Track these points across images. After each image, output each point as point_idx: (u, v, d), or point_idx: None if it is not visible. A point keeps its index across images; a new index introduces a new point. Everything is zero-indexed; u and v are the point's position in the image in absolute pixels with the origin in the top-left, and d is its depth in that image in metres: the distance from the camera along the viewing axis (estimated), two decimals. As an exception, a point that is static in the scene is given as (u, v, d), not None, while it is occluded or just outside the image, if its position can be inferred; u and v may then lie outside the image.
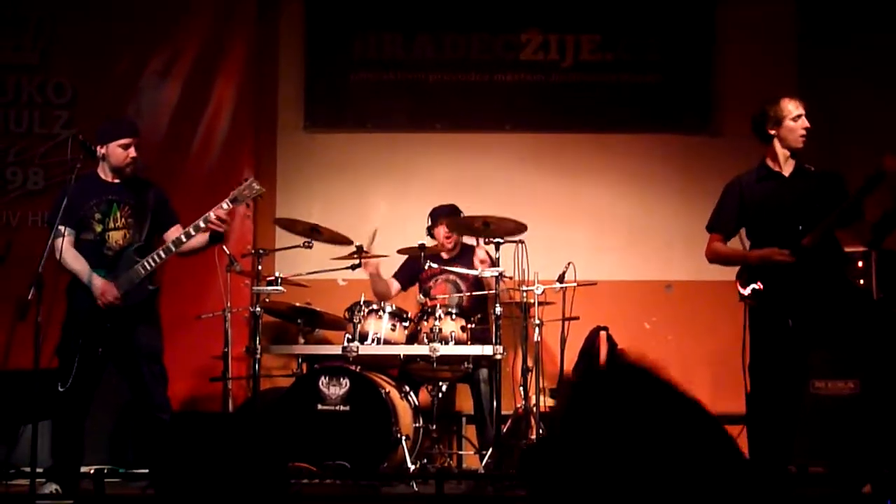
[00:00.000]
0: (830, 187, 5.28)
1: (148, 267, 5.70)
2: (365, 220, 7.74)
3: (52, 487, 5.51)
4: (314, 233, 6.56)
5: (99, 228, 5.79)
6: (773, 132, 5.32)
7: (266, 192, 7.92)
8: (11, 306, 5.27)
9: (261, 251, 6.61)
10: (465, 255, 7.16)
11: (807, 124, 5.29)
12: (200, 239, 5.78)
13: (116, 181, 5.86)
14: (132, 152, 5.81)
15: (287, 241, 6.97)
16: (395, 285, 7.31)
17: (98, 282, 5.67)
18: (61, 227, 5.67)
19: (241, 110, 8.05)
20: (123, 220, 5.82)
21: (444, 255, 7.18)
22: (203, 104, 8.05)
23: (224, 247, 6.74)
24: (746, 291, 5.24)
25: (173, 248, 5.70)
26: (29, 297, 5.20)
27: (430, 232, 7.20)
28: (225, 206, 5.73)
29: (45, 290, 5.26)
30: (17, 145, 7.98)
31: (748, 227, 5.41)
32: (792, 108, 5.30)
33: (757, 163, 5.46)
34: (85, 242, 5.78)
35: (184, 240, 5.70)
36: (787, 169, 5.33)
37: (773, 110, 5.31)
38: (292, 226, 6.72)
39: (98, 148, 5.82)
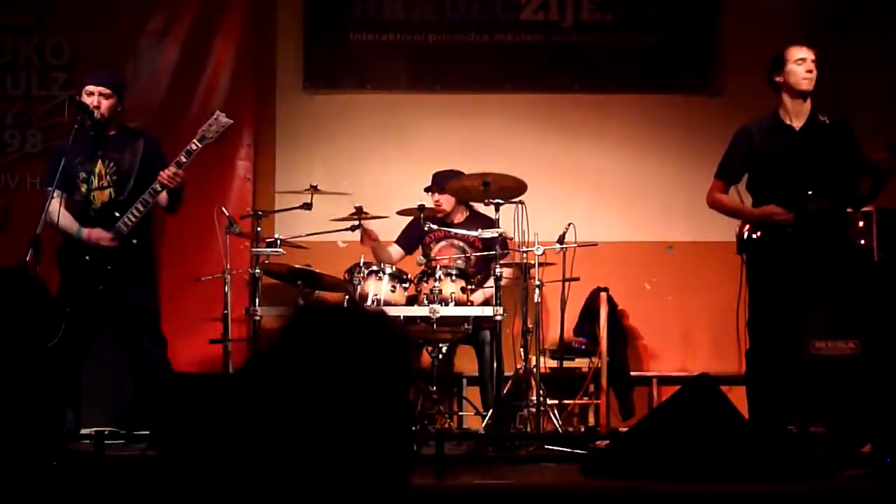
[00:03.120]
0: (842, 139, 5.23)
1: (129, 222, 5.65)
2: (364, 181, 7.71)
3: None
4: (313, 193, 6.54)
5: (84, 188, 5.76)
6: (779, 79, 5.28)
7: (266, 153, 7.99)
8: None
9: (260, 213, 6.60)
10: (472, 221, 7.11)
11: (811, 67, 5.22)
12: (162, 198, 5.75)
13: (109, 134, 5.81)
14: (94, 101, 5.71)
15: (286, 202, 6.95)
16: (398, 252, 7.26)
17: (85, 232, 5.65)
18: (54, 191, 5.65)
19: (240, 71, 7.99)
20: (108, 178, 5.76)
21: (454, 220, 7.14)
22: (202, 65, 7.98)
23: (224, 208, 6.74)
24: (745, 236, 5.21)
25: (149, 200, 5.65)
26: (27, 260, 5.19)
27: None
28: (193, 147, 5.69)
29: (43, 252, 5.24)
30: (15, 107, 7.92)
31: (752, 178, 5.35)
32: (796, 52, 5.26)
33: (769, 112, 5.41)
34: (73, 203, 5.76)
35: (150, 198, 5.64)
36: (799, 122, 5.26)
37: (779, 55, 5.29)
38: (291, 187, 6.69)
39: None
